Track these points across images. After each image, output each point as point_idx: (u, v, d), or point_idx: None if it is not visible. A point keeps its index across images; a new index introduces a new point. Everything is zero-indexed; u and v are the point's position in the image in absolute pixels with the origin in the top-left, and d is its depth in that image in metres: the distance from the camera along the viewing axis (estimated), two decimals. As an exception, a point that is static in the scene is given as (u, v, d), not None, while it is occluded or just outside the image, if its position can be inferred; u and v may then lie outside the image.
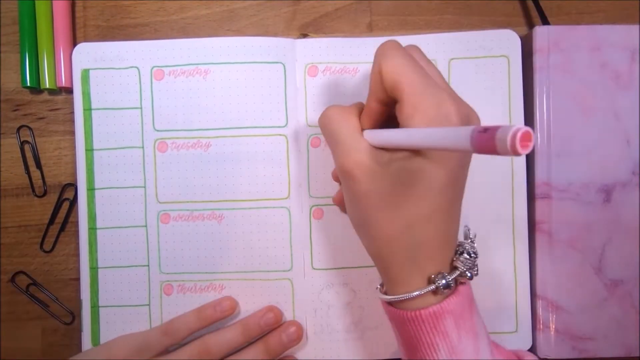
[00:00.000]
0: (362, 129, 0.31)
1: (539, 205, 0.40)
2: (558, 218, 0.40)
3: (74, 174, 0.42)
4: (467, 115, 0.29)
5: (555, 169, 0.40)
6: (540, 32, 0.40)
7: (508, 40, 0.41)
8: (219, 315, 0.40)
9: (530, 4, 0.42)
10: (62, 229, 0.42)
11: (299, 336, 0.40)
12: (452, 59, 0.41)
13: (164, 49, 0.41)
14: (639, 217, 0.40)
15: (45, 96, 0.43)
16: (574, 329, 0.40)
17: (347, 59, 0.41)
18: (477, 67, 0.41)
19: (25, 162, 0.43)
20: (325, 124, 0.32)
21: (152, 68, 0.41)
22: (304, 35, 0.42)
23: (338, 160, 0.31)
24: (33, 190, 0.43)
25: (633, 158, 0.40)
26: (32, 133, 0.43)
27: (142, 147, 0.41)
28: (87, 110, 0.41)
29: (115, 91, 0.41)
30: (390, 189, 0.29)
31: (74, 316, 0.43)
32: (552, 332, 0.40)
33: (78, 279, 0.42)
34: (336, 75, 0.41)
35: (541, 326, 0.40)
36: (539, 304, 0.40)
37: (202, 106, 0.41)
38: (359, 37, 0.42)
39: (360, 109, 0.33)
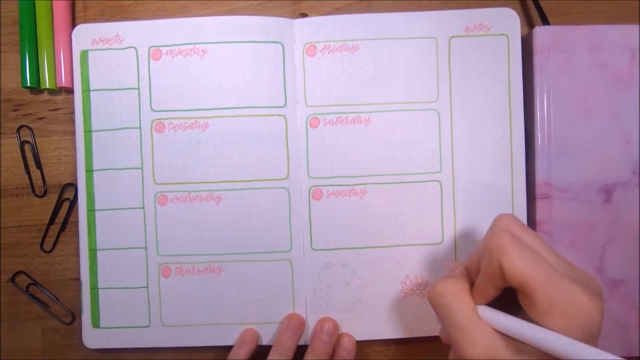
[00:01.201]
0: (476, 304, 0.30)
1: (540, 205, 0.40)
2: (559, 218, 0.40)
3: (74, 173, 0.42)
4: (600, 300, 0.27)
5: (556, 169, 0.40)
6: (540, 32, 0.40)
7: (508, 19, 0.41)
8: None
9: (530, 4, 0.42)
10: (62, 229, 0.42)
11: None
12: (452, 36, 0.41)
13: (162, 29, 0.41)
14: (639, 217, 0.40)
15: (45, 96, 0.43)
16: (574, 329, 0.40)
17: (347, 35, 0.41)
18: (477, 45, 0.41)
19: (25, 162, 0.43)
20: (438, 305, 0.31)
21: (150, 48, 0.41)
22: (303, 15, 0.42)
23: (461, 349, 0.29)
24: (33, 190, 0.43)
25: (633, 158, 0.40)
26: (32, 133, 0.43)
27: (140, 128, 0.41)
28: (86, 91, 0.41)
29: (113, 72, 0.41)
30: None
31: (74, 316, 0.42)
32: (553, 332, 0.40)
33: (78, 279, 0.42)
34: (335, 54, 0.41)
35: (542, 326, 0.40)
36: (540, 303, 0.40)
37: (199, 86, 0.41)
38: (358, 13, 0.42)
39: (468, 279, 0.32)
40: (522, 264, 0.27)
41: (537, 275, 0.27)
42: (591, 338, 0.26)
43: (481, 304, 0.30)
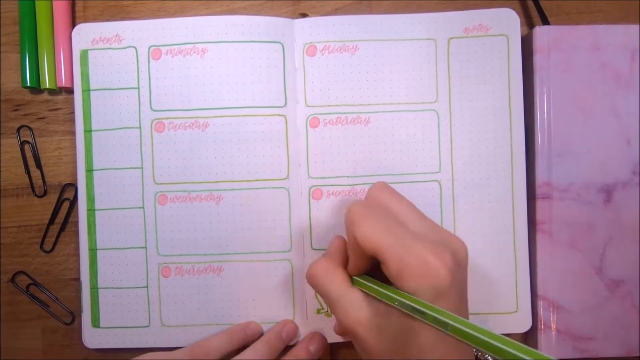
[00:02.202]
0: (352, 276, 0.32)
1: (540, 205, 0.40)
2: (559, 218, 0.40)
3: (74, 173, 0.42)
4: (451, 257, 0.29)
5: (556, 169, 0.40)
6: (540, 32, 0.40)
7: (507, 19, 0.41)
8: (249, 339, 0.40)
9: (530, 4, 0.42)
10: (62, 229, 0.42)
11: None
12: (452, 37, 0.41)
13: (162, 28, 0.41)
14: (639, 217, 0.40)
15: (45, 96, 0.43)
16: (574, 329, 0.40)
17: (347, 36, 0.41)
18: (476, 46, 0.41)
19: (25, 162, 0.43)
20: (313, 284, 0.33)
21: (150, 47, 0.41)
22: (303, 15, 0.42)
23: (338, 319, 0.32)
24: (33, 190, 0.43)
25: (633, 158, 0.40)
26: (32, 133, 0.43)
27: (139, 128, 0.41)
28: (86, 91, 0.41)
29: (113, 71, 0.41)
30: (392, 346, 0.29)
31: (74, 316, 0.43)
32: (553, 332, 0.40)
33: (78, 279, 0.42)
34: (335, 54, 0.41)
35: (542, 326, 0.40)
36: (540, 304, 0.40)
37: (199, 85, 0.41)
38: (358, 14, 0.42)
39: (343, 253, 0.34)
40: (372, 233, 0.29)
41: (387, 241, 0.29)
42: (440, 296, 0.28)
43: (356, 274, 0.32)
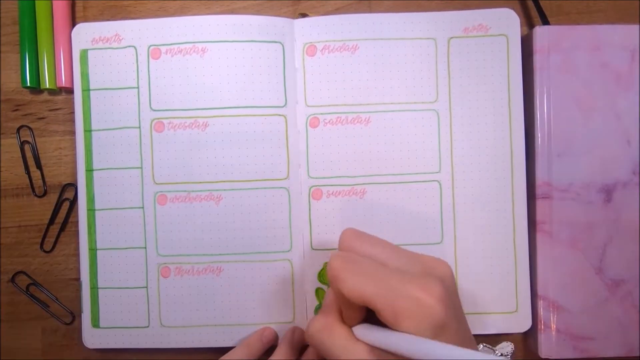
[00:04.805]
0: (351, 326, 0.30)
1: (540, 205, 0.40)
2: (559, 218, 0.40)
3: (74, 173, 0.42)
4: (441, 287, 0.28)
5: (556, 169, 0.40)
6: (540, 32, 0.40)
7: (507, 20, 0.41)
8: (266, 346, 0.40)
9: (530, 4, 0.42)
10: (62, 229, 0.42)
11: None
12: (452, 37, 0.41)
13: (161, 28, 0.41)
14: (639, 217, 0.40)
15: (45, 96, 0.43)
16: (575, 329, 0.40)
17: (347, 36, 0.41)
18: (476, 46, 0.41)
19: (25, 162, 0.43)
20: (314, 344, 0.31)
21: (149, 47, 0.41)
22: (304, 15, 0.42)
23: None
24: (33, 190, 0.43)
25: (633, 158, 0.40)
26: (32, 133, 0.43)
27: (139, 127, 0.41)
28: (86, 90, 0.41)
29: (112, 71, 0.41)
30: None
31: (74, 316, 0.42)
32: (554, 332, 0.40)
33: (78, 279, 0.42)
34: (335, 54, 0.41)
35: (542, 326, 0.40)
36: (540, 304, 0.40)
37: (199, 85, 0.41)
38: (358, 13, 0.42)
39: (338, 305, 0.32)
40: (357, 286, 0.28)
41: (375, 290, 0.27)
42: (442, 330, 0.27)
43: (355, 325, 0.30)
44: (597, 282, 0.40)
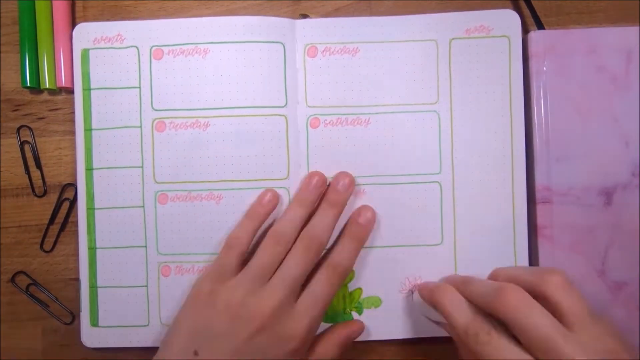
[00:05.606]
0: None
1: (540, 210, 0.40)
2: (560, 222, 0.40)
3: (74, 173, 0.42)
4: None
5: (555, 173, 0.40)
6: (535, 37, 0.40)
7: (509, 21, 0.41)
8: (269, 209, 0.40)
9: (525, 10, 0.42)
10: (62, 229, 0.42)
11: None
12: (453, 38, 0.41)
13: (164, 28, 0.41)
14: (639, 218, 0.40)
15: (45, 96, 0.43)
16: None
17: (348, 38, 0.41)
18: (477, 47, 0.41)
19: (25, 162, 0.43)
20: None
21: (152, 47, 0.41)
22: (304, 16, 0.42)
23: None
24: (33, 190, 0.43)
25: (632, 160, 0.40)
26: (32, 133, 0.43)
27: (140, 127, 0.41)
28: (86, 90, 0.41)
29: (114, 71, 0.41)
30: None
31: (74, 316, 0.43)
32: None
33: (78, 279, 0.42)
34: (336, 56, 0.41)
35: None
36: (540, 305, 0.40)
37: (200, 85, 0.41)
38: (359, 16, 0.42)
39: None
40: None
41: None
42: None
43: None
44: (600, 285, 0.40)
